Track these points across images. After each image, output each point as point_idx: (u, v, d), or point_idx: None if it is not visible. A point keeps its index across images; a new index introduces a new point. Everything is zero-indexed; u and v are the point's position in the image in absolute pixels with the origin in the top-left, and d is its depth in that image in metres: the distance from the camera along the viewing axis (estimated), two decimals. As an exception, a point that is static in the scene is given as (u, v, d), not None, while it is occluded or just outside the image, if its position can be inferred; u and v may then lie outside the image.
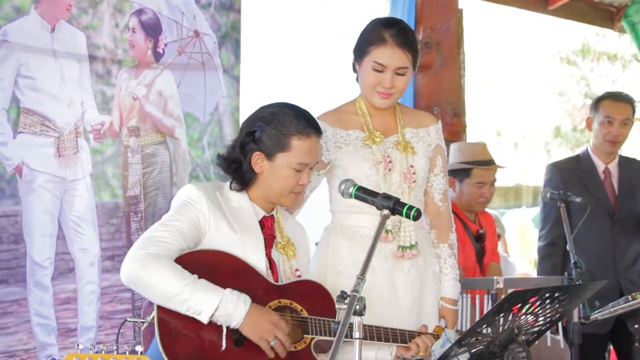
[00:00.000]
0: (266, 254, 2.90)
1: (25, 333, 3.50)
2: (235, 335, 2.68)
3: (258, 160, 2.87)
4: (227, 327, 2.66)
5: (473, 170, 4.61)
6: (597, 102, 4.76)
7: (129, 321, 2.77)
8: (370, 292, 3.13)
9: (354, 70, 3.37)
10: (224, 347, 2.65)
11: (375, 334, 2.92)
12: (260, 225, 2.93)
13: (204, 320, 2.63)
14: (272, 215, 2.99)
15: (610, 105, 4.71)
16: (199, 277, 2.67)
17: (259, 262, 2.84)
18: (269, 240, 2.94)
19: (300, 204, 3.35)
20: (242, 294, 2.68)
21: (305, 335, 2.81)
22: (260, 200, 2.94)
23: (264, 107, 2.94)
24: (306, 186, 2.98)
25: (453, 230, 3.47)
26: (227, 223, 2.83)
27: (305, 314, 2.83)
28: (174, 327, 2.65)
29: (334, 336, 2.35)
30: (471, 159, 4.65)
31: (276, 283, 2.87)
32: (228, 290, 2.66)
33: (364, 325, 2.86)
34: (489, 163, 4.68)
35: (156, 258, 2.64)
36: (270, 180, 2.88)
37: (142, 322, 2.74)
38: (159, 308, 2.65)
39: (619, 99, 4.74)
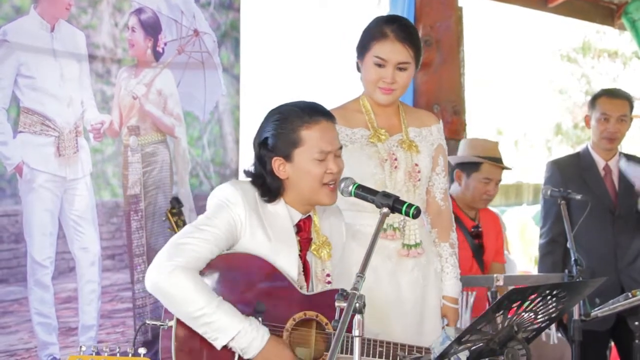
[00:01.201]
0: (301, 257, 2.86)
1: (26, 332, 3.50)
2: None
3: (280, 167, 2.79)
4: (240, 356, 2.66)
5: (483, 165, 4.61)
6: (594, 100, 4.77)
7: (149, 324, 2.76)
8: (374, 290, 3.15)
9: (358, 69, 3.38)
10: None
11: (392, 350, 2.85)
12: (298, 228, 2.88)
13: (218, 346, 2.64)
14: (310, 216, 2.92)
15: (607, 102, 4.71)
16: (229, 280, 2.67)
17: (291, 270, 2.80)
18: (305, 243, 2.89)
19: None
20: (262, 328, 2.66)
21: (325, 353, 2.77)
22: (296, 204, 2.86)
23: (267, 113, 2.88)
24: (338, 174, 2.84)
25: (454, 229, 3.49)
26: (262, 229, 2.78)
27: (330, 328, 2.78)
28: (191, 339, 2.66)
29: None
30: (483, 154, 4.66)
31: (305, 293, 2.82)
32: (248, 321, 2.64)
33: (379, 341, 2.84)
34: (499, 161, 4.70)
35: (183, 272, 2.61)
36: (298, 181, 2.80)
37: (161, 325, 2.72)
38: (179, 320, 2.66)
39: (615, 95, 4.75)
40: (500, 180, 4.68)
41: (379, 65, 3.25)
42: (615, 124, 4.67)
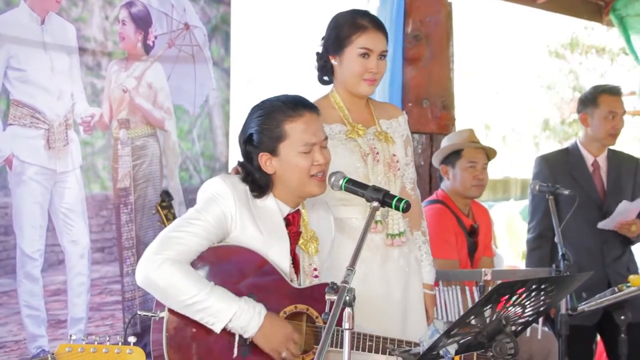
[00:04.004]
0: (291, 251, 2.86)
1: (15, 324, 3.50)
2: (244, 344, 2.69)
3: (267, 162, 2.80)
4: (240, 336, 2.67)
5: (464, 150, 4.64)
6: (596, 98, 4.75)
7: (140, 314, 2.76)
8: (365, 282, 3.20)
9: (322, 68, 3.39)
10: (235, 354, 2.67)
11: (382, 344, 2.86)
12: (287, 222, 2.88)
13: (217, 330, 2.64)
14: (299, 210, 2.93)
15: (612, 99, 4.73)
16: (220, 272, 2.68)
17: (282, 264, 2.81)
18: (295, 237, 2.90)
19: None
20: (258, 305, 2.67)
21: (315, 346, 2.79)
22: (286, 197, 2.86)
23: (251, 109, 2.89)
24: (325, 165, 2.84)
25: (424, 217, 3.55)
26: (253, 223, 2.78)
27: (320, 322, 2.79)
28: (183, 330, 2.67)
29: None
30: (461, 141, 4.70)
31: (296, 286, 2.83)
32: (243, 300, 2.65)
33: (369, 335, 2.84)
34: (477, 143, 4.73)
35: (173, 264, 2.62)
36: (286, 174, 2.80)
37: (152, 316, 2.72)
38: (170, 311, 2.67)
39: (617, 92, 4.79)
40: (486, 164, 4.69)
41: (365, 56, 3.28)
42: (619, 120, 4.73)
